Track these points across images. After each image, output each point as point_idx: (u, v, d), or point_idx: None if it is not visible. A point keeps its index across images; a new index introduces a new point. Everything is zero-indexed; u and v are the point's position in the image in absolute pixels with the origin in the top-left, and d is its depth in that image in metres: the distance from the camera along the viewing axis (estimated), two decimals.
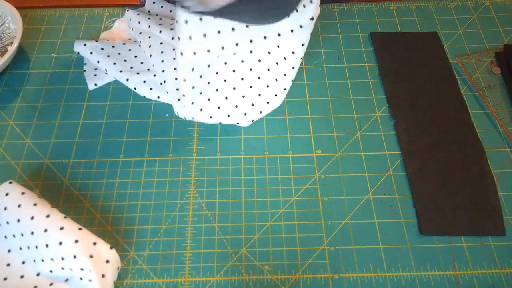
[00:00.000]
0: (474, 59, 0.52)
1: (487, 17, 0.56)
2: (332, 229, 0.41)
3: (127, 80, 0.48)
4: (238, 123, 0.47)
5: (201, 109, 0.45)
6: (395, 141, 0.46)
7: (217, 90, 0.46)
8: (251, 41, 0.43)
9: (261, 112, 0.47)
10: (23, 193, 0.38)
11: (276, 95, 0.47)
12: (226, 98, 0.46)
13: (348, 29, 0.55)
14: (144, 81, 0.47)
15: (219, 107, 0.46)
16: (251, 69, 0.46)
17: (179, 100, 0.46)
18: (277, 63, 0.44)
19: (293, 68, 0.44)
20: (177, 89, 0.46)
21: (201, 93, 0.44)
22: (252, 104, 0.47)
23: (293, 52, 0.43)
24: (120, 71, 0.48)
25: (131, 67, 0.49)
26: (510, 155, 0.45)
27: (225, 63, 0.44)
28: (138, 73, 0.48)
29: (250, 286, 0.39)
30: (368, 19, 0.56)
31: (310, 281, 0.39)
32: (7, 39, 0.52)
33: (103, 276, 0.36)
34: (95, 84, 0.50)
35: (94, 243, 0.37)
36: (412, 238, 0.41)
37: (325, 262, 0.40)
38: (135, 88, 0.48)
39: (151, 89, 0.47)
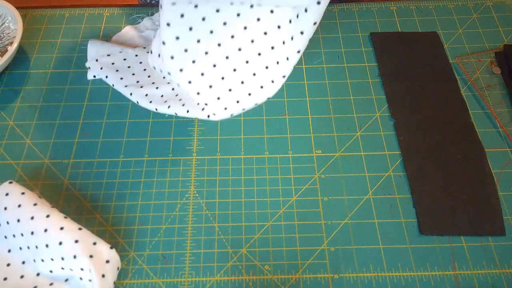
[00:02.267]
0: (474, 59, 0.52)
1: (487, 17, 0.56)
2: (332, 229, 0.41)
3: (131, 94, 0.46)
4: (225, 108, 0.44)
5: (189, 81, 0.44)
6: (395, 141, 0.46)
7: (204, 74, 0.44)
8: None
9: (250, 94, 0.44)
10: (23, 193, 0.38)
11: (272, 81, 0.44)
12: (222, 78, 0.44)
13: (348, 29, 0.55)
14: (146, 95, 0.46)
15: (210, 86, 0.44)
16: (252, 41, 0.42)
17: (180, 100, 0.45)
18: (283, 42, 0.41)
19: (298, 52, 0.41)
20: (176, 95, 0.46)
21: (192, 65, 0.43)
22: (242, 82, 0.44)
23: (301, 33, 0.40)
24: (126, 86, 0.47)
25: (137, 81, 0.48)
26: (510, 155, 0.45)
27: (219, 44, 0.42)
28: (141, 87, 0.47)
29: (250, 286, 0.39)
30: (368, 19, 0.56)
31: (310, 281, 0.39)
32: (7, 39, 0.52)
33: (103, 276, 0.36)
34: (94, 76, 0.50)
35: (94, 243, 0.37)
36: (412, 238, 0.41)
37: (325, 262, 0.40)
38: (137, 102, 0.46)
39: (150, 102, 0.45)
